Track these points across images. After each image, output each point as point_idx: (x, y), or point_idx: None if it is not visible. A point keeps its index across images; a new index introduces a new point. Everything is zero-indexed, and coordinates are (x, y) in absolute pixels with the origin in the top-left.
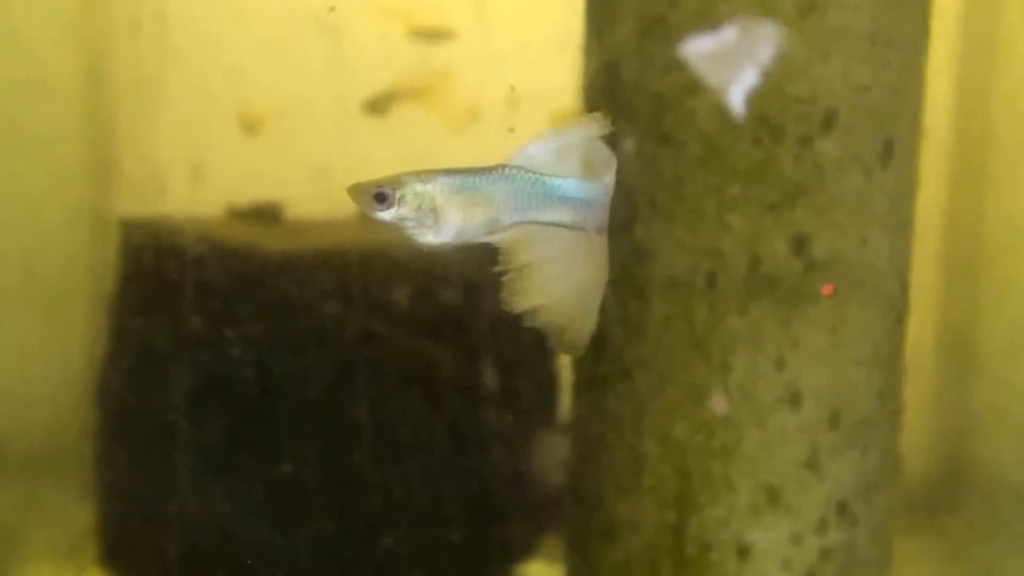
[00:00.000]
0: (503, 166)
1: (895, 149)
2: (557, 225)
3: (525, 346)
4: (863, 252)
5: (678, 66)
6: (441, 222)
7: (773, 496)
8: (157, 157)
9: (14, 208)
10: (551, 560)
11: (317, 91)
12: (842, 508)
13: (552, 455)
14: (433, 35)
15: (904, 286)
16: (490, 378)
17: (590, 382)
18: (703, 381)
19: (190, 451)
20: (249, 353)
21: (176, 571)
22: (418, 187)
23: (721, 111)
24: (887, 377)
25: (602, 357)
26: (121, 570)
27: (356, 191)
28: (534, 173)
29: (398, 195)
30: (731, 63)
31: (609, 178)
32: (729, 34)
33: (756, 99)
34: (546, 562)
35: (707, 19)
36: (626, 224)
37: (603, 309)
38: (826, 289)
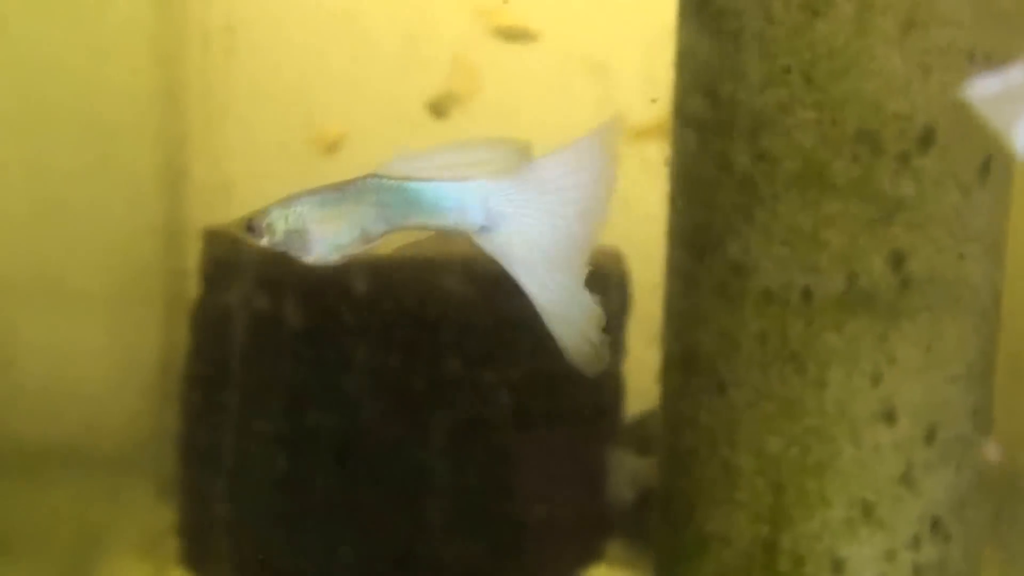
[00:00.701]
0: (368, 176)
1: (992, 167)
2: (432, 229)
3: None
4: (960, 269)
5: (774, 82)
6: (310, 241)
7: (868, 511)
8: (226, 167)
9: (96, 215)
10: (613, 564)
11: (385, 97)
12: (936, 524)
13: (614, 465)
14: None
15: (996, 302)
16: (568, 390)
17: (680, 396)
18: (798, 396)
19: (273, 455)
20: (339, 355)
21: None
22: (282, 212)
23: (819, 127)
24: (980, 393)
25: (694, 371)
26: (201, 571)
27: (234, 226)
28: (399, 180)
29: (265, 224)
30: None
31: (508, 179)
32: (1016, 75)
33: (854, 115)
34: (609, 566)
35: (805, 36)
36: (721, 240)
37: (695, 324)
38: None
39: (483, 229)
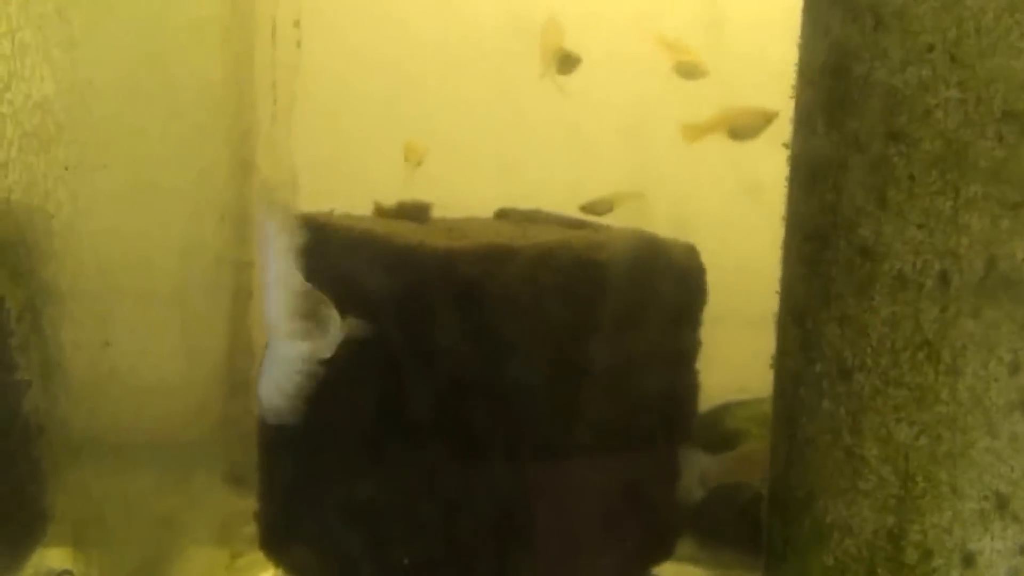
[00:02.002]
0: None
1: None
2: None
3: (669, 353)
4: None
5: (916, 60)
6: None
7: (1002, 504)
8: (292, 159)
9: (170, 207)
10: (682, 561)
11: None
12: None
13: (684, 462)
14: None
15: None
16: (640, 380)
17: (800, 383)
18: (930, 384)
19: (351, 439)
20: (421, 340)
21: (335, 559)
22: None
23: (962, 107)
24: None
25: (816, 358)
26: (280, 555)
27: None
28: None
29: None
30: None
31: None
32: None
33: (1001, 95)
34: (678, 563)
35: (951, 12)
36: (850, 223)
37: (818, 309)
38: None
39: None
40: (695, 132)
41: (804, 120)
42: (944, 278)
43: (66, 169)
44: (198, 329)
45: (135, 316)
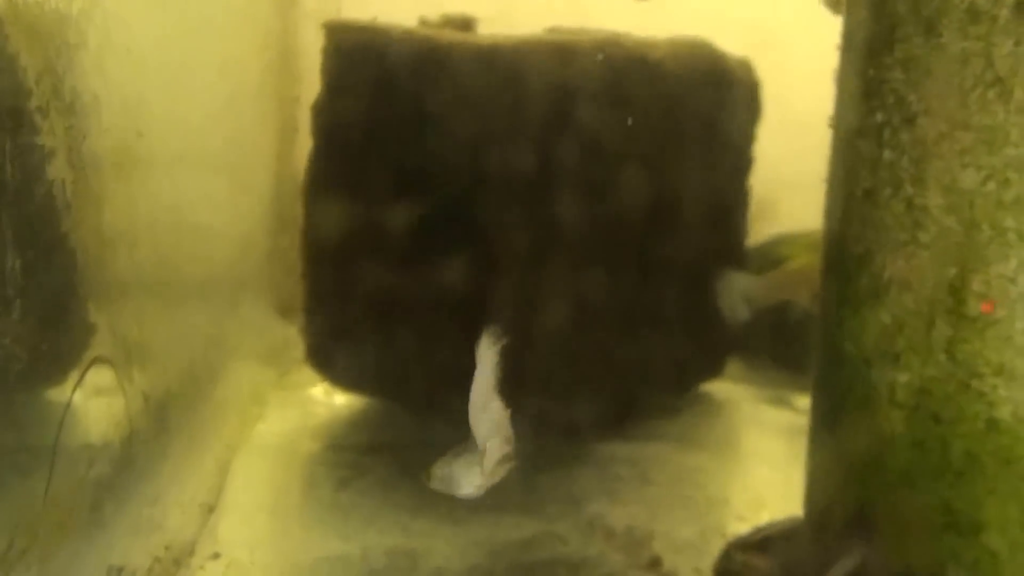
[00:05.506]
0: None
1: None
2: None
3: (722, 165)
4: None
5: None
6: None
7: None
8: None
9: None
10: (732, 380)
11: None
12: None
13: (728, 284)
14: None
15: None
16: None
17: (860, 134)
18: (1000, 124)
19: (393, 251)
20: (465, 145)
21: (376, 371)
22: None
23: None
24: None
25: (878, 106)
26: (325, 367)
27: None
28: None
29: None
30: None
31: None
32: None
33: None
34: (729, 382)
35: None
36: None
37: (880, 52)
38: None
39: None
40: None
41: None
42: (1020, 8)
43: None
44: (244, 164)
45: (169, 112)
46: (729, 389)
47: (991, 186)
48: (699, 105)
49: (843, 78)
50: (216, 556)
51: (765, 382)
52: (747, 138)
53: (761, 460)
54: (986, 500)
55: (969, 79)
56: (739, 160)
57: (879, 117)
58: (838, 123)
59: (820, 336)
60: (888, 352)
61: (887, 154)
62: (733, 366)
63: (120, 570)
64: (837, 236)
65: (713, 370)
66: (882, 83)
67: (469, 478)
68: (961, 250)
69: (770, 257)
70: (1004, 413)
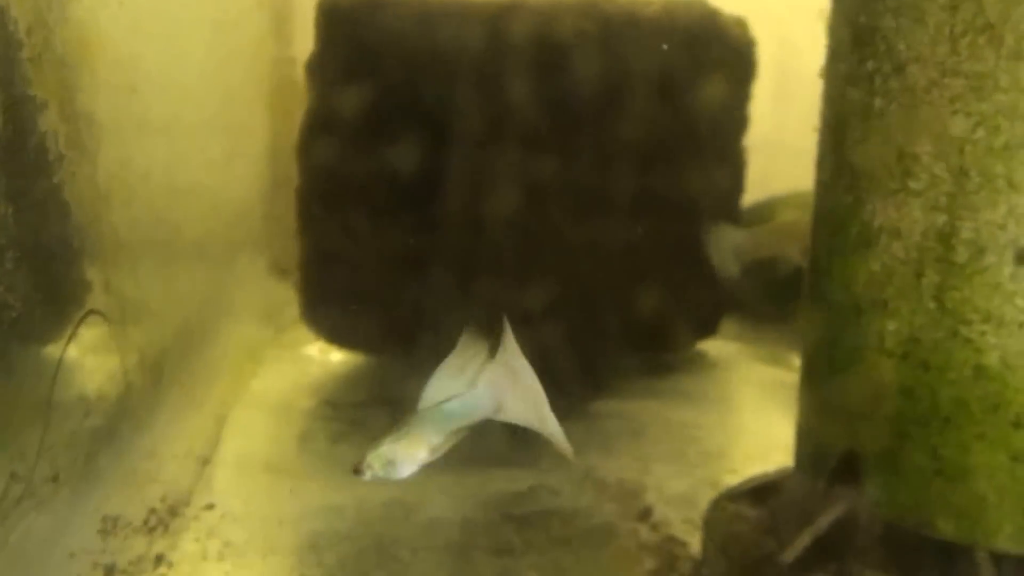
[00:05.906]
0: (422, 409)
1: None
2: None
3: (717, 123)
4: None
5: None
6: (399, 467)
7: None
8: None
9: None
10: (727, 339)
11: None
12: None
13: (717, 238)
14: None
15: None
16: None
17: (850, 82)
18: (990, 70)
19: (386, 211)
20: (455, 99)
21: (371, 328)
22: (373, 453)
23: None
24: None
25: (867, 55)
26: (321, 325)
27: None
28: (438, 404)
29: (365, 464)
30: None
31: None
32: None
33: None
34: (724, 340)
35: None
36: None
37: (874, 1)
38: None
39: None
40: None
41: None
42: None
43: None
44: (239, 123)
45: (163, 69)
46: (724, 347)
47: (981, 133)
48: (692, 62)
49: (834, 27)
50: (211, 507)
51: (761, 340)
52: (742, 96)
53: (755, 416)
54: (974, 446)
55: (960, 25)
56: (733, 117)
57: (870, 65)
58: (829, 72)
59: (810, 285)
60: (877, 300)
61: (878, 102)
62: (728, 324)
63: (116, 519)
64: (828, 186)
65: (708, 328)
66: (873, 31)
67: (410, 458)
68: (950, 198)
69: (763, 218)
70: (992, 360)
